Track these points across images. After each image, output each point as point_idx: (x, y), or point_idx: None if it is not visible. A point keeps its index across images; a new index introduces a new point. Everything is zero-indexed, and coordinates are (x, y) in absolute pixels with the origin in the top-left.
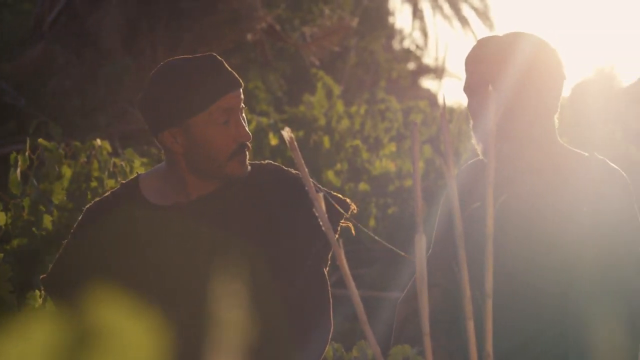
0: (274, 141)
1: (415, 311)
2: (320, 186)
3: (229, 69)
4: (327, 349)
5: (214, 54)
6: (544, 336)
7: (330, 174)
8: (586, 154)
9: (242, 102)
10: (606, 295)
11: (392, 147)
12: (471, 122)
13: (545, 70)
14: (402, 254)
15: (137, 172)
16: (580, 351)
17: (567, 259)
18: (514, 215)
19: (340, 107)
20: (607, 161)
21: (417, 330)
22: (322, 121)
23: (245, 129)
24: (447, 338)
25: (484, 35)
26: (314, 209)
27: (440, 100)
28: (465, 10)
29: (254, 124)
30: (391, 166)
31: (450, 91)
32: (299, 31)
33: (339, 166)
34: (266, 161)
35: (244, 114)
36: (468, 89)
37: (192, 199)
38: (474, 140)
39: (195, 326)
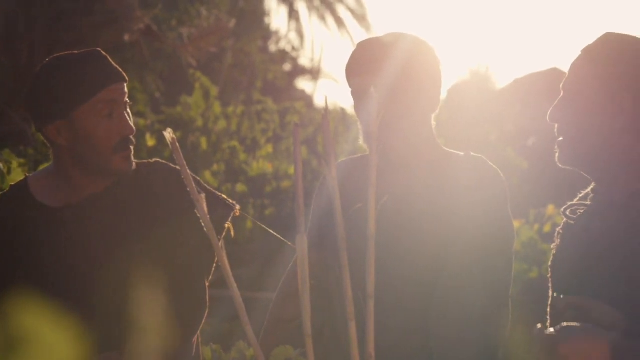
0: (151, 142)
1: (287, 314)
2: (207, 186)
3: (113, 63)
4: (204, 350)
5: (99, 49)
6: (414, 336)
7: (207, 175)
8: (461, 153)
9: (126, 96)
10: (472, 294)
11: (269, 148)
12: (358, 124)
13: (422, 70)
14: (289, 243)
15: (16, 173)
16: (443, 351)
17: (439, 257)
18: (390, 214)
19: (217, 108)
20: (485, 159)
21: (293, 332)
22: (200, 122)
23: (129, 123)
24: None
25: (360, 37)
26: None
27: (316, 102)
28: (341, 11)
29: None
30: (268, 167)
31: (326, 92)
32: (176, 32)
33: (216, 167)
34: (154, 159)
35: (128, 109)
36: (354, 92)
37: (83, 199)
38: (362, 142)
39: (94, 325)
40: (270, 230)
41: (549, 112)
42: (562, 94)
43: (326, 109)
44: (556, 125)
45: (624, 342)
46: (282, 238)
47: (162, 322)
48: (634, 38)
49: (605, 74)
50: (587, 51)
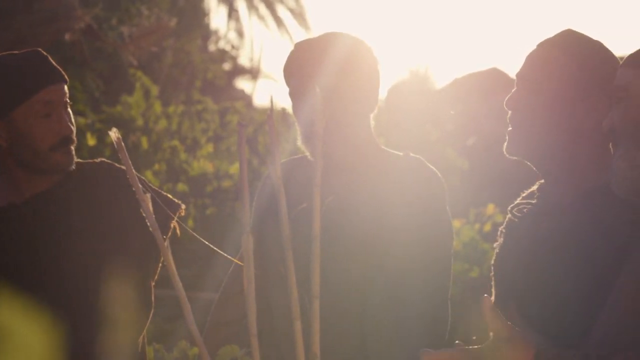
0: (91, 141)
1: (227, 316)
2: (152, 186)
3: (53, 63)
4: (148, 350)
5: (39, 49)
6: (350, 339)
7: (148, 174)
8: (400, 154)
9: (66, 96)
10: (410, 295)
11: (210, 148)
12: (296, 124)
13: (360, 70)
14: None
15: None
16: (379, 354)
17: (377, 258)
18: (331, 215)
19: (157, 107)
20: (423, 160)
21: (231, 335)
22: (140, 121)
23: (68, 123)
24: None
25: (299, 36)
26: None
27: (256, 101)
28: (281, 11)
29: None
30: (209, 167)
31: (265, 92)
32: (117, 31)
33: (157, 166)
34: (99, 159)
35: (69, 109)
36: (292, 93)
37: (26, 198)
38: (300, 142)
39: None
40: (199, 237)
41: (506, 99)
42: (521, 83)
43: (271, 109)
44: (509, 113)
45: (549, 349)
46: (210, 244)
47: (119, 316)
48: (596, 40)
49: (580, 71)
50: (554, 45)
